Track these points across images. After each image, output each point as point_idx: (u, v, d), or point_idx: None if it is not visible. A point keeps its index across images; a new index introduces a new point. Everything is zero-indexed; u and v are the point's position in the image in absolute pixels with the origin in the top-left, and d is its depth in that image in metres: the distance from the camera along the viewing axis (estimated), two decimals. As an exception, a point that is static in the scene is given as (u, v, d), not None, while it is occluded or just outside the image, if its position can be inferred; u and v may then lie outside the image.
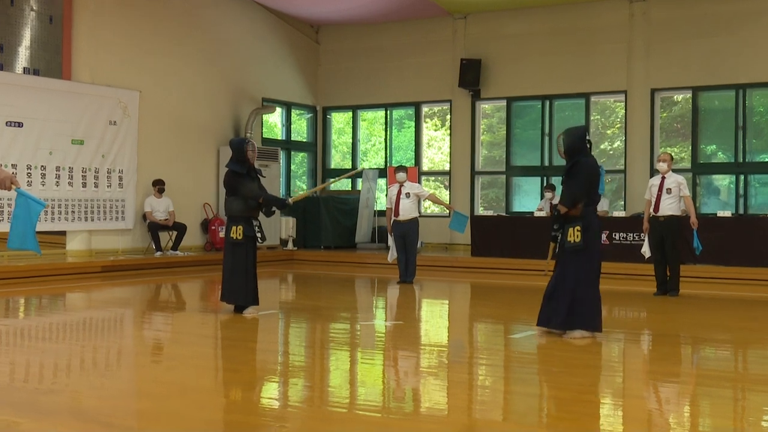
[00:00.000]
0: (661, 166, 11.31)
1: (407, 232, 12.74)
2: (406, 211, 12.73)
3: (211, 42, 17.39)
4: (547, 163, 17.65)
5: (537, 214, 15.46)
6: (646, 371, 6.76)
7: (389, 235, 13.04)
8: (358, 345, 7.88)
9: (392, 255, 13.00)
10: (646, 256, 11.53)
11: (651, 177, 14.84)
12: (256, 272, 9.23)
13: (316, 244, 18.31)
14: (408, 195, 12.73)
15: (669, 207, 11.17)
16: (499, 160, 18.64)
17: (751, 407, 5.57)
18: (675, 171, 11.83)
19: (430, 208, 19.34)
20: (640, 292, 11.96)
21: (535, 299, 8.97)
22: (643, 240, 11.79)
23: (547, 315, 7.77)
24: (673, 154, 16.21)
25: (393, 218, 12.82)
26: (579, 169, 7.67)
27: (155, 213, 15.56)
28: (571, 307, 7.63)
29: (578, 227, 7.63)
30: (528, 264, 14.59)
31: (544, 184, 17.04)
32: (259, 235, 9.15)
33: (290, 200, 9.43)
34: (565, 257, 7.73)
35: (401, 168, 12.94)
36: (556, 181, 16.96)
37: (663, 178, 11.27)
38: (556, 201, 15.52)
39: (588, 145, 7.76)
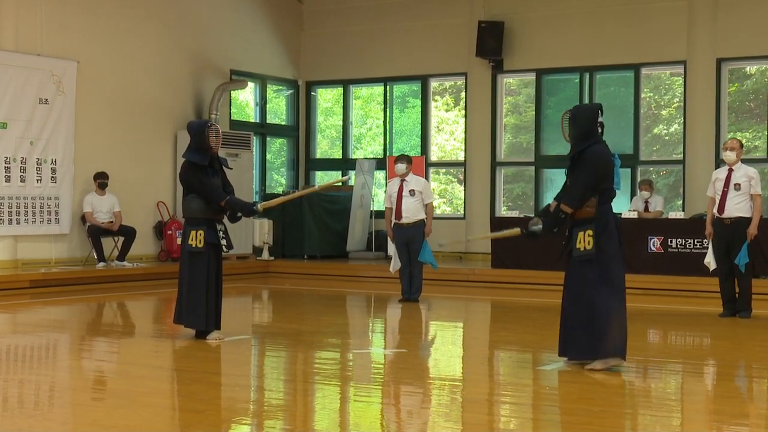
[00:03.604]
0: (728, 155, 11.33)
1: (412, 238, 12.76)
2: (411, 211, 12.75)
3: (167, 0, 17.42)
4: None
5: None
6: (709, 411, 6.79)
7: (390, 242, 13.06)
8: (351, 378, 7.90)
9: (395, 265, 13.02)
10: (711, 268, 11.55)
11: (716, 168, 14.86)
12: (220, 289, 9.25)
13: (298, 253, 18.31)
14: (412, 192, 12.75)
15: (737, 207, 11.18)
16: (527, 148, 18.66)
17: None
18: (746, 162, 11.84)
19: (440, 207, 19.36)
20: (702, 313, 11.98)
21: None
22: (707, 248, 11.81)
23: (567, 343, 7.79)
24: (744, 140, 16.21)
25: (394, 221, 12.85)
26: (586, 159, 7.70)
27: (97, 214, 15.57)
28: (589, 331, 7.63)
29: (590, 231, 7.64)
30: (562, 278, 14.57)
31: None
32: (224, 242, 9.17)
33: (260, 206, 9.44)
34: (575, 268, 7.76)
35: (402, 158, 12.96)
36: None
37: (730, 170, 11.28)
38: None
39: (600, 129, 7.80)
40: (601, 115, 7.85)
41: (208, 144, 9.11)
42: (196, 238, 9.06)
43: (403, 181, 12.82)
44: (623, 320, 7.78)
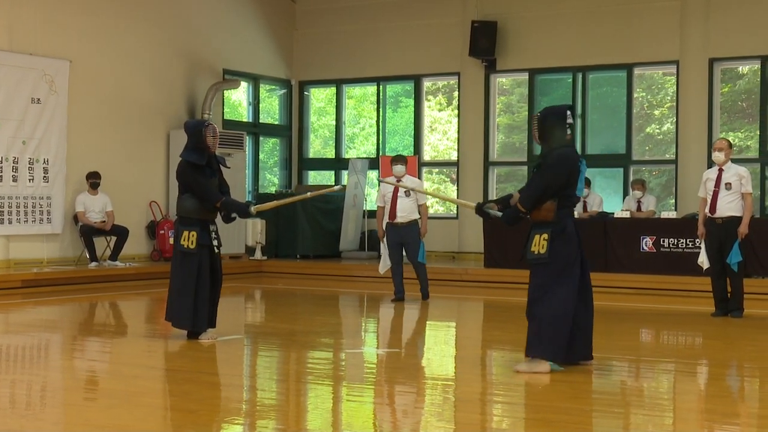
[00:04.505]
0: (717, 156, 11.33)
1: (407, 239, 12.75)
2: (406, 211, 12.73)
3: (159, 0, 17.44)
4: (580, 151, 17.65)
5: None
6: (701, 410, 6.81)
7: (381, 242, 13.07)
8: (343, 378, 7.91)
9: (384, 265, 13.02)
10: (704, 268, 11.59)
11: (708, 168, 14.90)
12: (217, 288, 9.22)
13: (291, 253, 18.32)
14: (408, 193, 12.74)
15: (729, 206, 11.20)
16: (520, 148, 18.69)
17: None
18: (738, 161, 11.86)
19: (432, 207, 19.38)
20: (694, 312, 12.01)
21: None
22: (699, 247, 11.85)
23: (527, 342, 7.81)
24: (736, 139, 16.24)
25: (388, 221, 12.83)
26: (551, 162, 7.68)
27: (89, 214, 15.56)
28: (533, 330, 7.64)
29: (545, 235, 7.62)
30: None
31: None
32: (215, 243, 9.17)
33: (254, 209, 9.46)
34: (532, 269, 7.76)
35: (399, 159, 12.92)
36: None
37: (720, 170, 11.31)
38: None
39: (569, 131, 7.75)
40: (571, 116, 7.82)
41: (205, 143, 9.09)
42: (188, 239, 9.05)
43: (398, 180, 12.80)
44: (570, 323, 7.61)
